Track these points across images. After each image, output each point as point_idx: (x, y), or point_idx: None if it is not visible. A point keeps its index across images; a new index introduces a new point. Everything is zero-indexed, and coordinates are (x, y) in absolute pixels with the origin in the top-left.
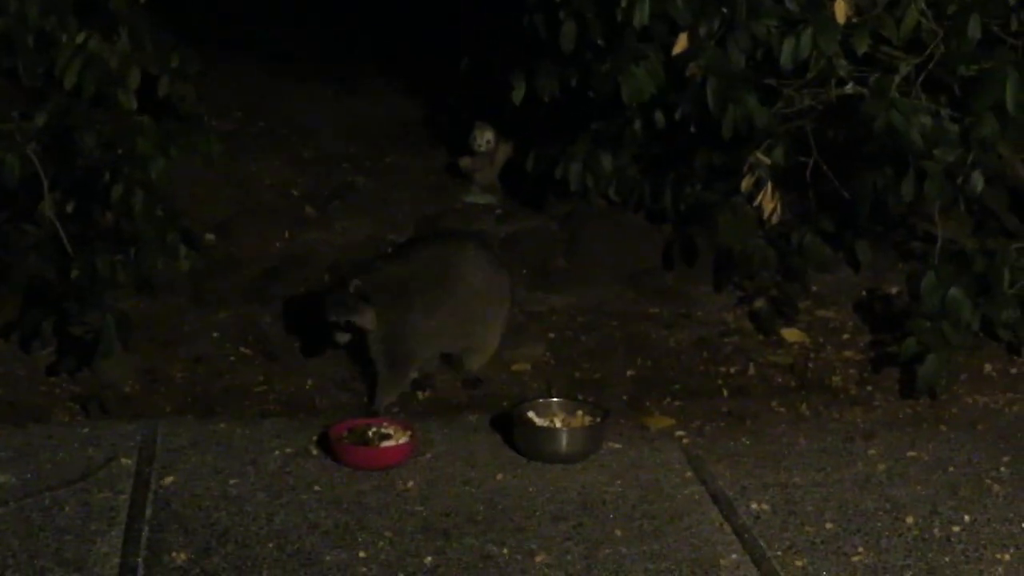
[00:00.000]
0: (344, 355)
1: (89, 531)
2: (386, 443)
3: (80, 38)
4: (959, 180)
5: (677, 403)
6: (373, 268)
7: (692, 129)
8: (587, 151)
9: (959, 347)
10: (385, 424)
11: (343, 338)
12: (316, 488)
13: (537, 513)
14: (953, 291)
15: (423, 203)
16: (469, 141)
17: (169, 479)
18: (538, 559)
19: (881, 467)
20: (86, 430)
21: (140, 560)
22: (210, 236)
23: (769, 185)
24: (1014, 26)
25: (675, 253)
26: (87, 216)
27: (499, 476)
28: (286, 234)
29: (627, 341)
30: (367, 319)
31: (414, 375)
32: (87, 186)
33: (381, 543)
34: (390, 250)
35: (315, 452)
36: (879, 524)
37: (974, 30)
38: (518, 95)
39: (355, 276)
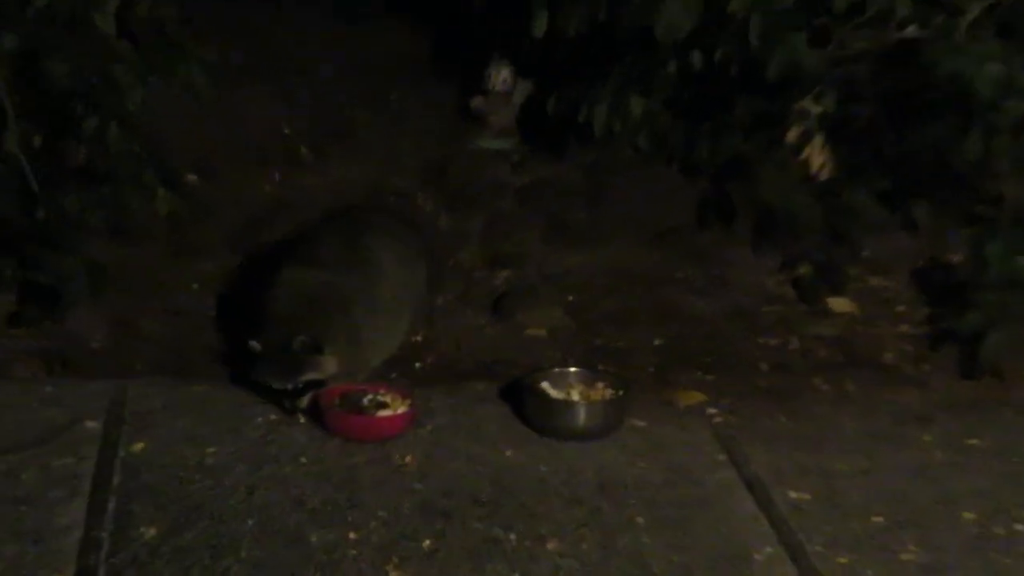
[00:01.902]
0: None
1: (49, 500)
2: (383, 412)
3: None
4: None
5: (709, 377)
6: (300, 302)
7: (733, 72)
8: (615, 93)
9: None
10: (382, 391)
11: (305, 402)
12: (303, 460)
13: (549, 495)
14: (1021, 260)
15: (430, 147)
16: (484, 79)
17: (139, 445)
18: (549, 546)
19: (937, 455)
20: (48, 389)
21: (105, 534)
22: (192, 176)
23: (817, 137)
24: None
25: (710, 210)
26: (56, 152)
27: (508, 453)
28: (277, 177)
29: (654, 307)
30: (327, 370)
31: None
32: (57, 118)
33: (374, 523)
34: (286, 248)
35: (303, 420)
36: (933, 519)
37: None
38: (539, 28)
39: (288, 327)
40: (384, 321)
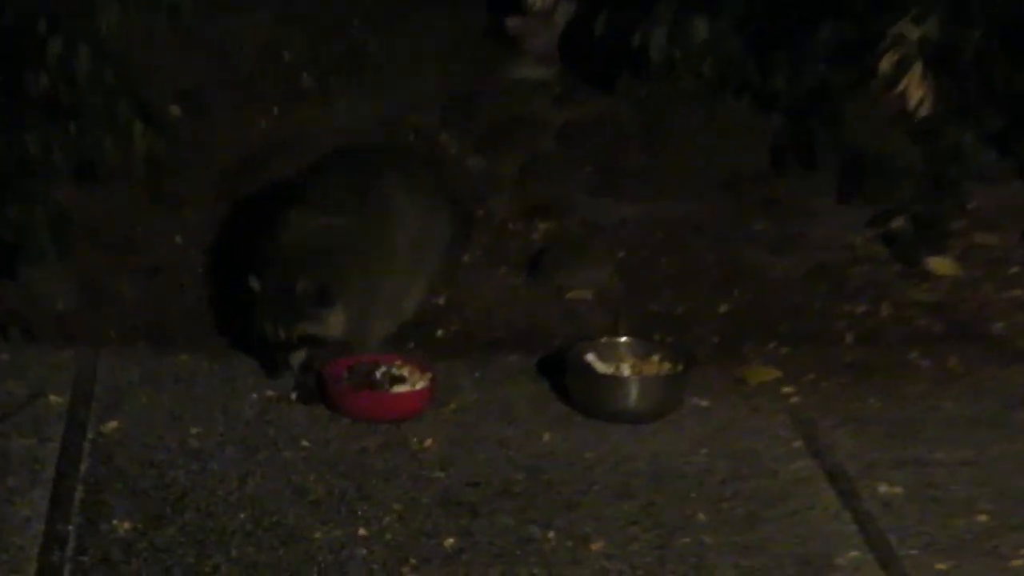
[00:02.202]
0: None
1: (6, 488)
2: (398, 388)
3: None
4: None
5: (784, 349)
6: (309, 246)
7: None
8: (675, 13)
9: None
10: (398, 363)
11: (298, 358)
12: (304, 444)
13: (595, 487)
14: None
15: (455, 77)
16: None
17: (112, 424)
18: (594, 547)
19: None
20: (6, 357)
21: (71, 528)
22: (175, 110)
23: (917, 67)
24: None
25: (788, 153)
26: (15, 80)
27: (545, 436)
28: (274, 111)
29: (721, 266)
30: (328, 327)
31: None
32: (16, 40)
33: (388, 518)
34: (288, 194)
35: (294, 397)
36: None
37: None
38: None
39: (294, 268)
40: (401, 278)
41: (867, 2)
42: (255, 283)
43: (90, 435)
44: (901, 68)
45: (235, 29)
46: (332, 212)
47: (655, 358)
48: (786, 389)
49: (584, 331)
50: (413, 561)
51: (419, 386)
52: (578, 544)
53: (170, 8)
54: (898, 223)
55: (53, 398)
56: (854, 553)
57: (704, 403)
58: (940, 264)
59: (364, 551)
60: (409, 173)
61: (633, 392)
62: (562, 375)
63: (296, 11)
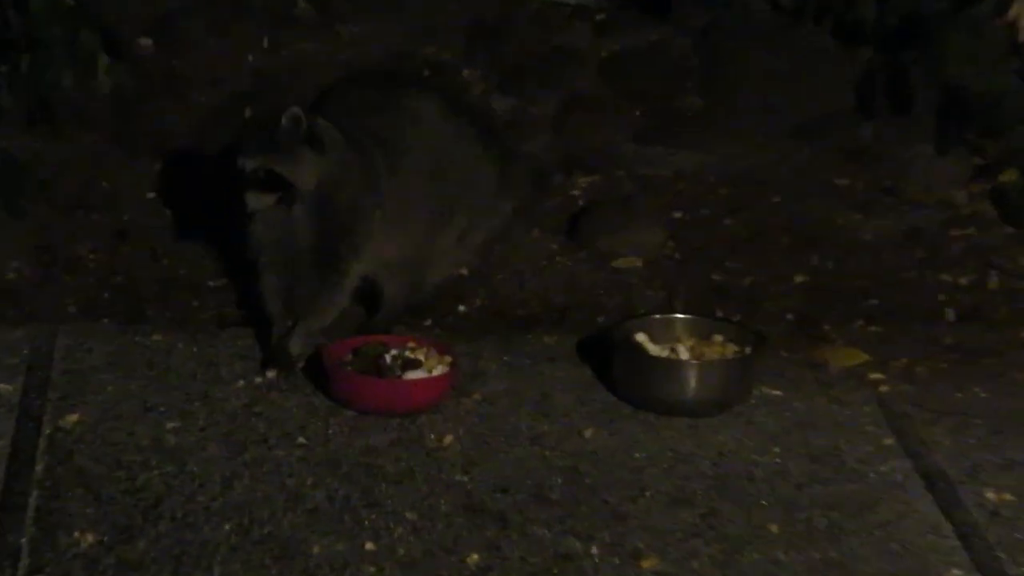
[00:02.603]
0: None
1: None
2: (412, 374)
3: None
4: None
5: (873, 328)
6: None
7: None
8: None
9: None
10: (412, 345)
11: (259, 201)
12: (301, 440)
13: (647, 493)
14: None
15: (482, 0)
16: None
17: (72, 418)
18: (645, 564)
19: None
20: None
21: (25, 541)
22: (146, 40)
23: None
24: None
25: (877, 92)
26: None
27: (587, 432)
28: (264, 42)
29: (797, 228)
30: (303, 171)
31: (352, 288)
32: None
33: (400, 530)
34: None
35: (300, 384)
36: None
37: None
38: None
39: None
40: (418, 199)
41: None
42: (248, 114)
43: (47, 430)
44: None
45: None
46: (354, 112)
47: (718, 339)
48: (875, 376)
49: (633, 306)
50: None
51: (437, 372)
52: (626, 561)
53: None
54: (1008, 176)
55: (2, 386)
56: (956, 572)
57: (776, 392)
58: None
59: (372, 569)
60: (449, 98)
61: (692, 379)
62: (608, 359)
63: None
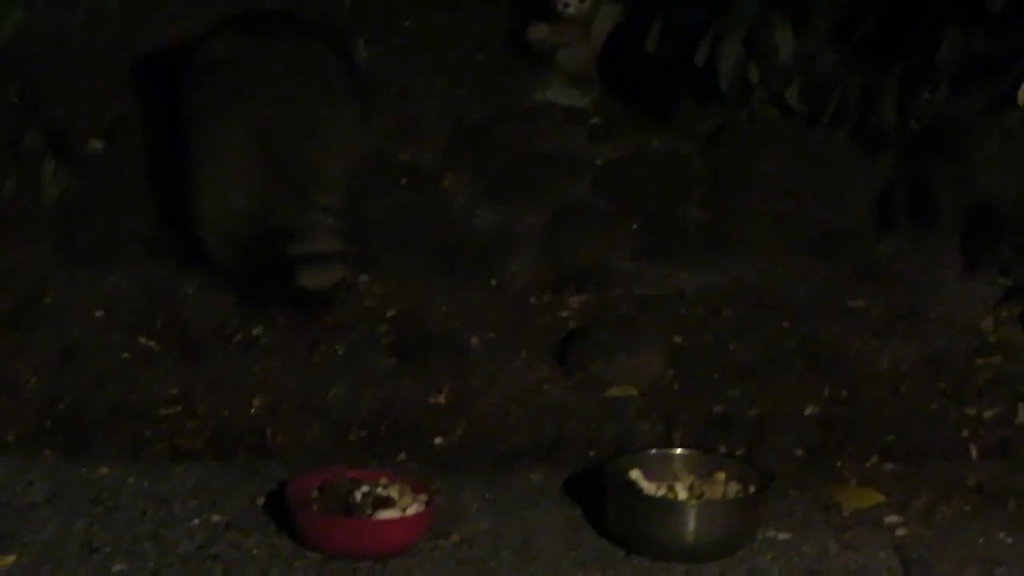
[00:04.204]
0: (317, 356)
1: None
2: (384, 513)
3: None
4: None
5: (890, 466)
6: None
7: None
8: (752, 22)
9: None
10: (384, 481)
11: None
12: None
13: None
14: None
15: (466, 100)
16: None
17: (9, 559)
18: None
19: None
20: None
21: None
22: (96, 144)
23: None
24: None
25: (897, 203)
26: None
27: None
28: None
29: (808, 353)
30: None
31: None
32: None
33: None
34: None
35: (261, 523)
36: None
37: None
38: None
39: None
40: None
41: (1005, 6)
42: None
43: None
44: None
45: (178, 36)
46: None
47: (720, 476)
48: (891, 518)
49: (628, 440)
50: None
51: (412, 511)
52: None
53: (91, 10)
54: None
55: None
56: None
57: (784, 536)
58: None
59: None
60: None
61: (691, 521)
62: (599, 498)
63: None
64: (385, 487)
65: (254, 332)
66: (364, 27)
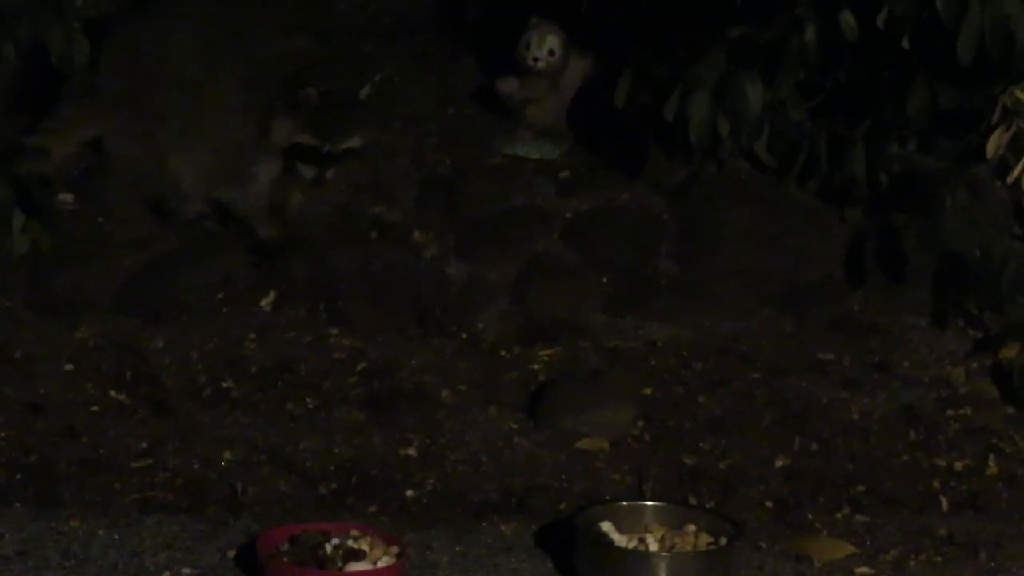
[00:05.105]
0: (287, 409)
1: None
2: (355, 566)
3: None
4: None
5: (860, 518)
6: None
7: (904, 44)
8: (721, 76)
9: None
10: (354, 533)
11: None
12: None
13: None
14: None
15: (434, 153)
16: (518, 51)
17: None
18: None
19: None
20: None
21: None
22: (66, 197)
23: None
24: None
25: (867, 257)
26: None
27: None
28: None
29: (778, 405)
30: None
31: None
32: None
33: None
34: None
35: (233, 575)
36: None
37: None
38: None
39: None
40: None
41: (971, 63)
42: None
43: None
44: (1014, 150)
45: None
46: None
47: (691, 528)
48: (862, 570)
49: (599, 492)
50: None
51: (382, 563)
52: None
53: (62, 60)
54: (1010, 352)
55: None
56: None
57: None
58: None
59: None
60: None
61: (662, 573)
62: (570, 550)
63: (240, 66)
64: (356, 540)
65: (224, 385)
66: (334, 78)
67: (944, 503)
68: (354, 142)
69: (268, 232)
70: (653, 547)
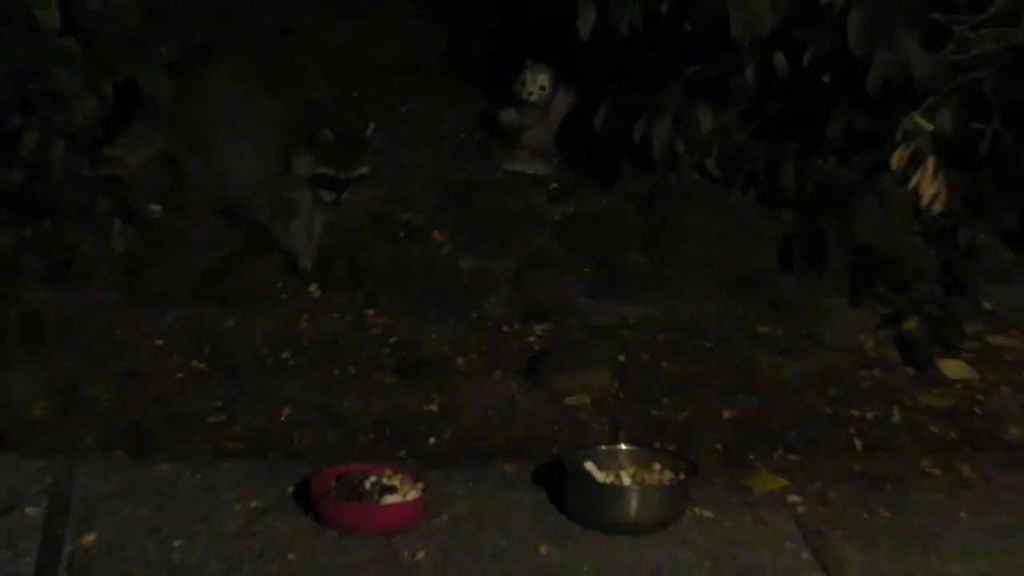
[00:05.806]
0: (334, 375)
1: None
2: (389, 498)
3: None
4: None
5: (792, 457)
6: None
7: (826, 79)
8: (679, 105)
9: None
10: (388, 473)
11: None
12: (290, 556)
13: None
14: None
15: (448, 170)
16: (515, 87)
17: (90, 538)
18: None
19: None
20: None
21: None
22: (155, 207)
23: (930, 161)
24: None
25: (797, 251)
26: None
27: (542, 549)
28: None
29: (726, 370)
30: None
31: None
32: None
33: None
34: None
35: (291, 508)
36: None
37: None
38: (586, 25)
39: None
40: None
41: (879, 94)
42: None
43: (67, 549)
44: (914, 163)
45: None
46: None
47: (656, 467)
48: (793, 498)
49: (583, 439)
50: None
51: (410, 496)
52: None
53: (148, 97)
54: (910, 325)
55: (28, 510)
56: None
57: (707, 513)
58: (954, 367)
59: None
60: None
61: (633, 502)
62: (560, 484)
63: (281, 99)
64: (389, 478)
65: (282, 356)
66: (369, 110)
67: (858, 445)
68: (364, 170)
69: (308, 264)
70: (627, 482)
